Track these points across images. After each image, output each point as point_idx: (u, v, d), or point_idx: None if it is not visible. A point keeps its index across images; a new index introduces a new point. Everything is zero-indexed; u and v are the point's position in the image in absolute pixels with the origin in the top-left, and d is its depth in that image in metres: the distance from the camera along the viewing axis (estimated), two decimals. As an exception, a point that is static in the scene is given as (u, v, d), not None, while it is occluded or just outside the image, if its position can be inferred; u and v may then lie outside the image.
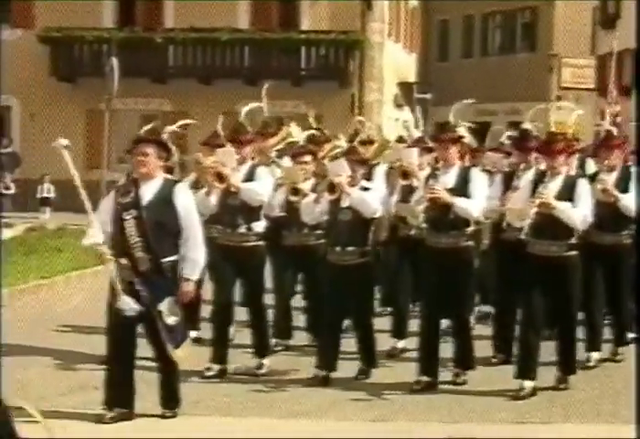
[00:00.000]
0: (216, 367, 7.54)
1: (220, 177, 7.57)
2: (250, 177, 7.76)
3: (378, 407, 6.81)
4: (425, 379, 7.23)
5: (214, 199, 7.66)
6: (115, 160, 20.00)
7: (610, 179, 7.82)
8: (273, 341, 8.26)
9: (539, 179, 7.20)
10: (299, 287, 8.91)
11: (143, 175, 6.32)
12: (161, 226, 6.23)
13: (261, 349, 7.79)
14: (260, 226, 7.77)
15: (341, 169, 7.51)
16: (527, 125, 8.53)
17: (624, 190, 7.82)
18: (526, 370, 7.06)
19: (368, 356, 7.64)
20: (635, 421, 6.12)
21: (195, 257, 6.35)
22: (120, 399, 6.32)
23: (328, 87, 22.91)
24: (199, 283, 7.57)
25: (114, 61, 17.66)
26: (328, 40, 23.16)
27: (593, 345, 7.94)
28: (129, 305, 6.16)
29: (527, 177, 7.64)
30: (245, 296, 8.06)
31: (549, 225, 7.04)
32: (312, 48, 23.37)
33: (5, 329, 8.95)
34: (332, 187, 7.46)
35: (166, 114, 22.18)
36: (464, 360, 7.43)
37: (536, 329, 7.10)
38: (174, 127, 8.58)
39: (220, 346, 7.63)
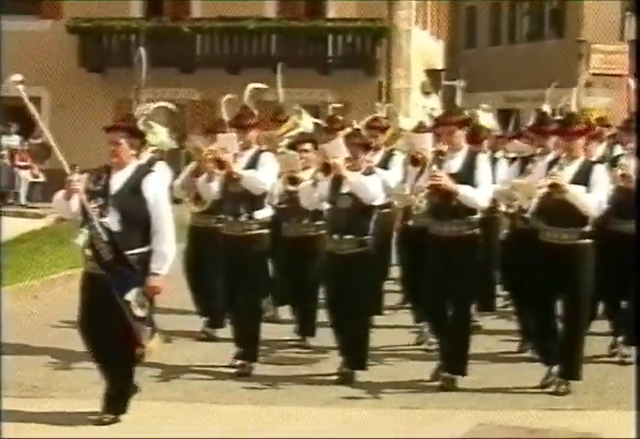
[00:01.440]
0: (241, 362, 7.35)
1: (220, 164, 7.29)
2: (253, 164, 7.44)
3: (408, 395, 6.81)
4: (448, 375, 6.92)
5: (215, 186, 7.45)
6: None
7: (631, 164, 7.51)
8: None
9: (555, 163, 6.87)
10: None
11: (115, 164, 6.10)
12: (129, 216, 5.98)
13: (251, 352, 7.43)
14: (263, 214, 7.47)
15: (337, 150, 7.15)
16: (545, 108, 8.26)
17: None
18: (548, 356, 6.88)
19: (359, 354, 7.18)
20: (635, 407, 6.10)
21: (163, 250, 6.04)
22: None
23: (355, 75, 22.86)
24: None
25: (142, 51, 17.69)
26: (355, 28, 23.08)
27: (622, 335, 7.66)
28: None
29: (543, 162, 7.23)
30: (245, 288, 7.61)
31: (561, 211, 6.70)
32: (339, 36, 23.29)
33: (36, 319, 9.04)
34: (326, 168, 7.10)
35: (194, 103, 22.27)
36: (455, 361, 6.96)
37: (550, 320, 6.83)
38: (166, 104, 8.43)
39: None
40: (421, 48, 25.36)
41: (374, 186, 7.10)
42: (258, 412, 6.44)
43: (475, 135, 8.58)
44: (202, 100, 21.87)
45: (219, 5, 22.79)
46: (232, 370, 7.35)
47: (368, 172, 7.24)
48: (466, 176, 6.96)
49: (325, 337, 7.74)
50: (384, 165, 8.72)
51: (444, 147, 7.10)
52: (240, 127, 7.53)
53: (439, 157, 7.07)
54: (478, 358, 7.47)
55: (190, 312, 8.85)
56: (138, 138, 6.21)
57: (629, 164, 7.52)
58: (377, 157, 8.76)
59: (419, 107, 24.19)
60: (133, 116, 6.44)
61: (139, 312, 5.96)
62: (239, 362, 7.41)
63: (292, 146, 8.05)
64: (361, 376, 7.19)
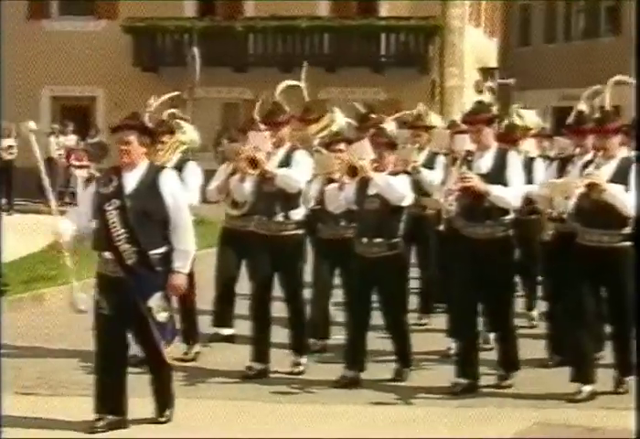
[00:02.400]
0: (257, 366, 7.18)
1: (253, 163, 7.08)
2: (287, 162, 7.22)
3: (465, 394, 6.72)
4: (462, 381, 6.74)
5: (248, 186, 7.25)
6: (198, 148, 20.24)
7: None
8: (311, 340, 7.76)
9: (591, 163, 6.57)
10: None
11: (125, 164, 5.89)
12: (147, 215, 5.79)
13: (300, 348, 7.34)
14: (298, 214, 7.26)
15: (364, 151, 6.94)
16: (582, 106, 7.74)
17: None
18: (581, 374, 6.56)
19: (403, 356, 7.12)
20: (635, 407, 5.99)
21: (184, 248, 5.86)
22: (111, 406, 5.88)
23: (408, 73, 22.79)
24: (191, 277, 7.03)
25: (196, 51, 17.86)
26: (408, 26, 23.03)
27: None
28: (86, 303, 5.86)
29: (581, 162, 6.88)
30: (283, 290, 7.46)
31: (599, 212, 6.42)
32: (391, 35, 23.27)
33: (85, 317, 9.04)
34: (352, 171, 6.88)
35: (247, 102, 22.35)
36: (508, 362, 6.85)
37: (587, 328, 6.55)
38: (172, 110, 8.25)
39: (261, 344, 7.22)
40: (475, 46, 25.20)
41: (401, 186, 6.91)
42: (310, 411, 6.44)
43: (509, 135, 8.36)
44: (255, 98, 21.95)
45: (272, 5, 22.87)
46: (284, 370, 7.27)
47: (395, 172, 7.03)
48: (497, 175, 6.72)
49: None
50: (429, 165, 8.54)
51: (472, 147, 6.87)
52: (272, 124, 7.30)
53: (467, 157, 6.84)
54: (531, 362, 7.35)
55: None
56: (149, 136, 5.99)
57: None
58: (421, 157, 8.60)
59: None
60: (139, 114, 6.21)
61: (160, 317, 5.77)
62: (293, 361, 7.32)
63: (325, 146, 7.83)
64: (414, 377, 7.16)
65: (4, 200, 18.61)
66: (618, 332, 6.75)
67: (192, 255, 5.92)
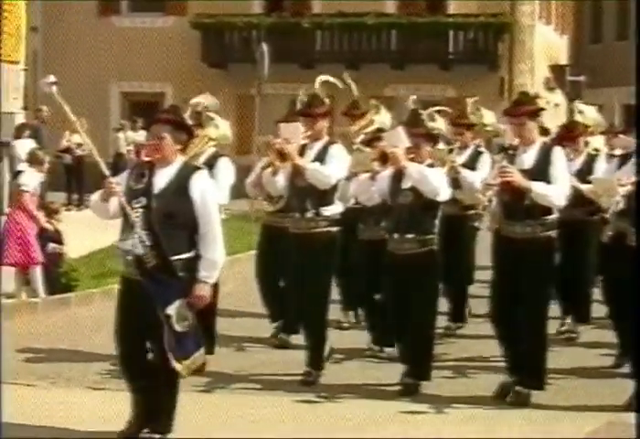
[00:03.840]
0: (315, 372, 6.91)
1: (283, 156, 6.76)
2: (322, 156, 6.89)
3: (534, 393, 6.57)
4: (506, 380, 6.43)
5: (281, 180, 6.93)
6: (265, 145, 20.27)
7: None
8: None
9: None
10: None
11: (157, 160, 5.50)
12: (173, 218, 5.38)
13: (313, 361, 6.94)
14: (331, 210, 6.89)
15: (398, 140, 6.55)
16: None
17: None
18: None
19: (422, 363, 6.64)
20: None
21: (211, 256, 5.45)
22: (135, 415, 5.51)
23: (477, 70, 22.57)
24: (216, 288, 6.77)
25: (264, 47, 17.88)
26: (477, 23, 22.79)
27: None
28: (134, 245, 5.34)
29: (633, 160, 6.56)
30: (310, 290, 7.04)
31: None
32: (460, 32, 23.05)
33: None
34: (383, 157, 6.55)
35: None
36: (531, 373, 6.39)
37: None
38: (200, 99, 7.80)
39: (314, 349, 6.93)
40: (545, 43, 24.88)
41: (438, 178, 6.53)
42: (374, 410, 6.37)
43: (569, 132, 8.20)
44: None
45: (339, 1, 22.81)
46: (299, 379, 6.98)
47: (432, 165, 6.68)
48: (540, 172, 6.34)
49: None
50: (472, 164, 8.16)
51: (515, 141, 6.48)
52: (309, 116, 6.98)
53: (509, 152, 6.46)
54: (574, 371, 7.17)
55: (262, 315, 8.48)
56: (185, 132, 5.57)
57: None
58: (464, 156, 8.25)
59: (542, 103, 23.76)
60: (177, 108, 5.82)
61: (179, 326, 5.35)
62: (304, 370, 6.97)
63: (367, 143, 7.45)
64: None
65: (75, 196, 18.86)
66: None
67: (220, 265, 5.52)
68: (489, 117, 8.83)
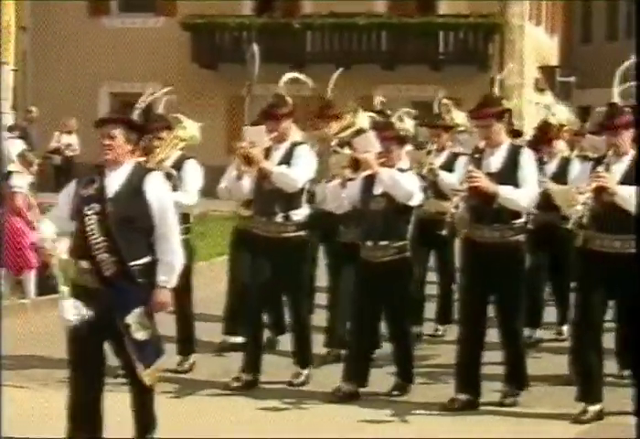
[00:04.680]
0: (245, 377, 6.76)
1: (248, 160, 6.59)
2: (288, 158, 6.74)
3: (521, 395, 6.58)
4: (463, 397, 6.29)
5: (247, 184, 6.76)
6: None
7: None
8: (325, 350, 7.44)
9: (600, 162, 5.98)
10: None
11: (108, 162, 5.29)
12: (129, 222, 5.19)
13: (302, 358, 6.90)
14: (300, 214, 6.78)
15: (369, 144, 6.43)
16: (616, 99, 6.81)
17: None
18: (587, 393, 6.00)
19: (405, 369, 6.61)
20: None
21: (170, 260, 5.25)
22: (86, 427, 5.33)
23: (467, 71, 22.60)
24: (187, 291, 6.87)
25: (255, 48, 17.84)
26: (467, 24, 22.84)
27: None
28: (76, 310, 5.17)
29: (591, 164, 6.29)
30: (285, 297, 7.05)
31: (611, 216, 5.87)
32: (450, 32, 23.10)
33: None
34: (355, 164, 6.40)
35: (306, 99, 22.33)
36: (515, 378, 6.36)
37: (595, 342, 5.99)
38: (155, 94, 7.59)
39: (251, 353, 6.79)
40: (535, 44, 24.93)
41: (410, 182, 6.40)
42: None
43: (544, 134, 7.99)
44: (313, 95, 21.95)
45: (330, 2, 22.83)
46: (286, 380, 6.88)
47: (404, 169, 6.55)
48: (508, 175, 6.20)
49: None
50: (449, 167, 7.95)
51: (481, 143, 6.33)
52: (272, 117, 6.81)
53: (475, 155, 6.33)
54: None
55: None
56: (137, 132, 5.37)
57: None
58: (440, 159, 8.08)
59: (532, 104, 23.79)
60: (128, 109, 5.68)
61: (140, 335, 5.19)
62: (296, 372, 6.89)
63: (348, 145, 7.17)
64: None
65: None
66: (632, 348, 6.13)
67: (179, 268, 5.31)
68: (461, 118, 8.70)
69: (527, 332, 7.88)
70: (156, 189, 5.27)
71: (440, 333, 8.48)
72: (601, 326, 6.03)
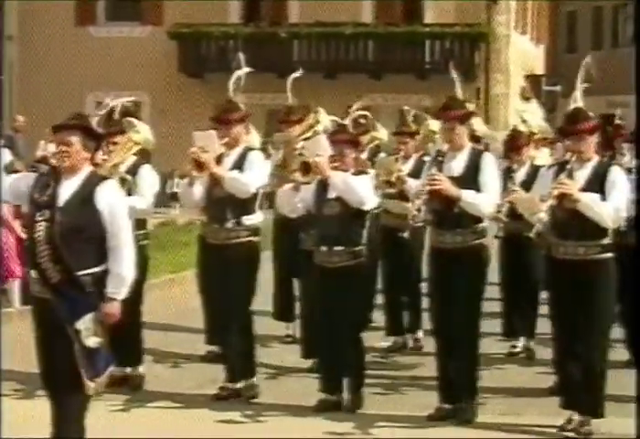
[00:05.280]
0: (232, 386, 6.57)
1: (199, 165, 6.46)
2: (240, 163, 6.61)
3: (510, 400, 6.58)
4: (446, 406, 6.14)
5: (198, 190, 6.61)
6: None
7: None
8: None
9: (563, 169, 5.85)
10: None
11: (65, 169, 5.16)
12: (79, 232, 5.05)
13: (245, 370, 6.65)
14: (253, 219, 6.64)
15: (320, 148, 6.29)
16: (580, 104, 6.48)
17: None
18: (571, 402, 5.85)
19: (356, 379, 6.37)
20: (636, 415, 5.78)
21: (120, 271, 5.09)
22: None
23: (453, 80, 22.69)
24: (135, 303, 6.65)
25: (241, 57, 17.86)
26: (453, 33, 22.94)
27: None
28: None
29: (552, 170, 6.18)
30: (232, 305, 6.69)
31: (574, 223, 5.77)
32: (436, 42, 23.19)
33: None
34: (305, 168, 6.26)
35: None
36: (463, 387, 6.13)
37: (569, 349, 5.84)
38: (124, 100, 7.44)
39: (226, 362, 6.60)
40: (521, 53, 25.04)
41: (363, 186, 6.25)
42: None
43: (513, 142, 7.87)
44: (299, 105, 21.98)
45: (316, 11, 22.89)
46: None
47: (358, 172, 6.41)
48: (470, 179, 6.08)
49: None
50: (416, 173, 7.70)
51: (444, 147, 6.23)
52: (224, 122, 6.69)
53: (438, 158, 6.19)
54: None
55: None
56: (94, 139, 5.25)
57: None
58: (408, 165, 7.91)
59: (518, 113, 23.88)
60: (84, 115, 5.49)
61: (91, 342, 5.03)
62: (238, 385, 6.63)
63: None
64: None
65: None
66: (587, 352, 5.90)
67: (129, 279, 5.14)
68: (436, 125, 8.35)
69: (508, 342, 7.95)
70: (108, 198, 5.13)
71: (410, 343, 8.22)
72: (575, 333, 5.86)
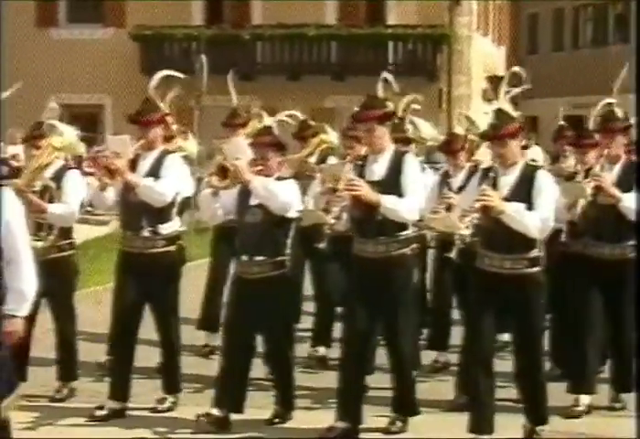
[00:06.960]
0: (112, 404, 6.21)
1: (111, 172, 6.15)
2: (156, 168, 6.24)
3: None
4: (342, 424, 5.74)
5: (110, 196, 6.29)
6: (205, 157, 20.24)
7: (610, 175, 6.14)
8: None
9: (487, 176, 5.53)
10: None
11: None
12: None
13: (168, 383, 6.38)
14: (169, 228, 6.27)
15: (238, 151, 5.95)
16: (503, 106, 6.18)
17: (628, 189, 6.06)
18: (479, 422, 5.50)
19: (284, 395, 6.09)
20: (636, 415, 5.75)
21: (20, 287, 4.66)
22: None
23: (416, 82, 22.73)
24: (70, 317, 6.51)
25: (204, 59, 17.82)
26: (415, 35, 23.02)
27: (581, 386, 6.21)
28: None
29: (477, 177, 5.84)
30: (153, 317, 6.42)
31: (499, 233, 5.42)
32: (399, 43, 23.26)
33: (99, 325, 8.81)
34: (223, 172, 5.89)
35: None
36: (403, 403, 5.87)
37: (485, 368, 5.50)
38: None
39: (119, 380, 6.28)
40: (483, 55, 25.19)
41: (286, 192, 5.86)
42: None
43: (449, 145, 7.40)
44: (263, 106, 21.95)
45: (279, 12, 22.87)
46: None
47: (283, 178, 6.06)
48: (392, 183, 5.68)
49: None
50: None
51: (362, 149, 5.95)
52: (141, 123, 6.33)
53: (357, 162, 5.84)
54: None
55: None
56: None
57: (605, 174, 6.14)
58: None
59: (480, 114, 24.03)
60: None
61: None
62: (161, 397, 6.40)
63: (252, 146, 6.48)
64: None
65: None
66: (522, 368, 5.68)
67: (30, 295, 4.70)
68: (426, 129, 8.23)
69: (434, 356, 7.47)
70: (5, 210, 4.66)
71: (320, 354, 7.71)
72: (491, 351, 5.60)
